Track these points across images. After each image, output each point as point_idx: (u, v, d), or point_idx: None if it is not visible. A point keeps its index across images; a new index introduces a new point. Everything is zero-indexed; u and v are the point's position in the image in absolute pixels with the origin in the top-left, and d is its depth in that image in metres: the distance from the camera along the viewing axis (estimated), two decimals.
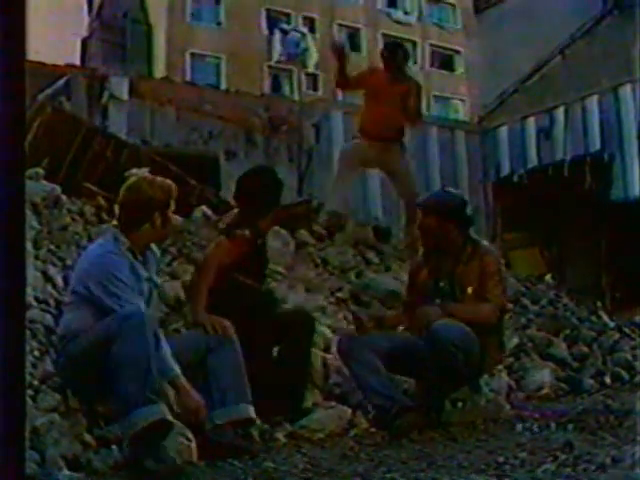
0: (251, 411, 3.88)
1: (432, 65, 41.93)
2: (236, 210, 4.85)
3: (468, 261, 4.53)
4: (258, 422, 4.03)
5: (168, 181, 3.88)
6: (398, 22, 41.06)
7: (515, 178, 13.25)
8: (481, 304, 4.47)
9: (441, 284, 4.56)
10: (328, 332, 5.17)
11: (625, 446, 3.54)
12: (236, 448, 3.74)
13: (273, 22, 37.65)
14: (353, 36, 40.18)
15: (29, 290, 4.24)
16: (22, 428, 1.15)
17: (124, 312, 3.50)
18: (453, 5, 42.50)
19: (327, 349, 5.00)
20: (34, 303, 4.30)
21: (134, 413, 3.31)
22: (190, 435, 3.61)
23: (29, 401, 3.44)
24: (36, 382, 3.67)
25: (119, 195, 3.85)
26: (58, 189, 6.07)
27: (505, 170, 13.49)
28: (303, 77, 35.95)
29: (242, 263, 4.47)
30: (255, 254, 4.58)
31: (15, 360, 1.12)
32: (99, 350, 3.44)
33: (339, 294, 6.13)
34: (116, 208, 3.89)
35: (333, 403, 4.48)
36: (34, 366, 3.80)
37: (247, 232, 4.49)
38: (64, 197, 6.07)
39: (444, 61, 42.32)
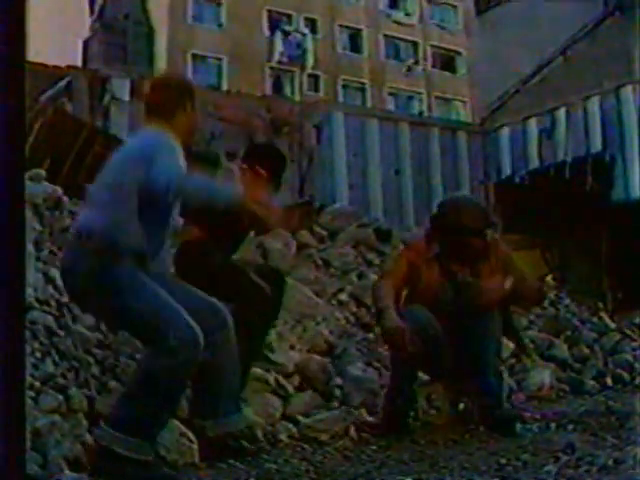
0: (245, 420, 3.79)
1: (433, 66, 41.93)
2: None
3: (485, 258, 4.52)
4: (261, 421, 4.03)
5: None
6: (399, 23, 41.09)
7: (516, 179, 13.28)
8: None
9: (458, 280, 4.49)
10: (329, 334, 5.17)
11: (627, 447, 3.55)
12: (231, 450, 3.72)
13: (274, 23, 37.69)
14: (354, 37, 40.20)
15: (30, 291, 4.24)
16: (22, 429, 1.15)
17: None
18: (454, 6, 42.49)
19: (329, 351, 5.00)
20: (35, 304, 4.30)
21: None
22: (192, 436, 3.62)
23: (30, 402, 3.44)
24: (37, 383, 3.67)
25: (146, 96, 3.75)
26: (59, 190, 6.07)
27: (506, 171, 13.52)
28: (304, 78, 35.99)
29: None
30: None
31: (15, 361, 1.12)
32: None
33: (340, 295, 6.12)
34: (143, 110, 3.74)
35: (336, 404, 4.48)
36: (35, 367, 3.80)
37: None
38: (65, 198, 6.07)
39: (445, 62, 42.31)
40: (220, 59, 36.65)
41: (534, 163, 13.16)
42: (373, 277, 6.56)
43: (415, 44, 41.68)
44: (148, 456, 3.23)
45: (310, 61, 34.91)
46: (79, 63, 32.13)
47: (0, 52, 1.14)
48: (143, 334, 3.43)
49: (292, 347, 4.87)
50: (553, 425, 4.25)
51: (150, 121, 3.66)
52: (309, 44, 35.77)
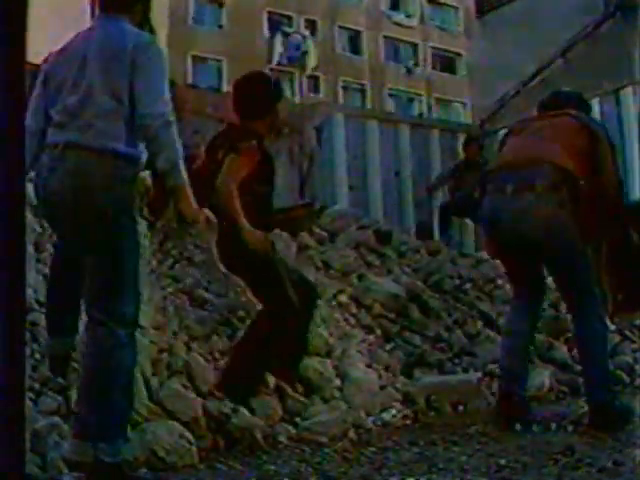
0: None
1: (434, 68, 41.96)
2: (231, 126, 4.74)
3: None
4: (261, 423, 4.03)
5: None
6: (400, 25, 41.12)
7: None
8: None
9: None
10: (328, 336, 5.17)
11: (626, 449, 3.55)
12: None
13: (275, 25, 37.72)
14: (355, 38, 40.23)
15: (31, 293, 4.24)
16: (22, 431, 1.15)
17: None
18: (455, 8, 42.54)
19: (329, 353, 5.00)
20: (35, 306, 4.29)
21: None
22: (191, 438, 3.61)
23: (30, 404, 3.44)
24: (37, 385, 3.67)
25: None
26: None
27: None
28: (304, 80, 35.98)
29: (256, 174, 4.31)
30: (264, 161, 4.40)
31: (15, 363, 1.12)
32: None
33: (340, 297, 6.12)
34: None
35: (336, 406, 4.48)
36: (35, 369, 3.79)
37: (253, 142, 4.34)
38: None
39: (446, 64, 42.36)
40: (220, 60, 36.68)
41: None
42: (373, 279, 6.56)
43: (415, 46, 41.73)
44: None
45: (310, 63, 34.86)
46: None
47: (0, 52, 1.15)
48: (109, 294, 3.13)
49: None
50: (553, 426, 4.25)
51: (109, 12, 3.39)
52: (309, 46, 35.73)
